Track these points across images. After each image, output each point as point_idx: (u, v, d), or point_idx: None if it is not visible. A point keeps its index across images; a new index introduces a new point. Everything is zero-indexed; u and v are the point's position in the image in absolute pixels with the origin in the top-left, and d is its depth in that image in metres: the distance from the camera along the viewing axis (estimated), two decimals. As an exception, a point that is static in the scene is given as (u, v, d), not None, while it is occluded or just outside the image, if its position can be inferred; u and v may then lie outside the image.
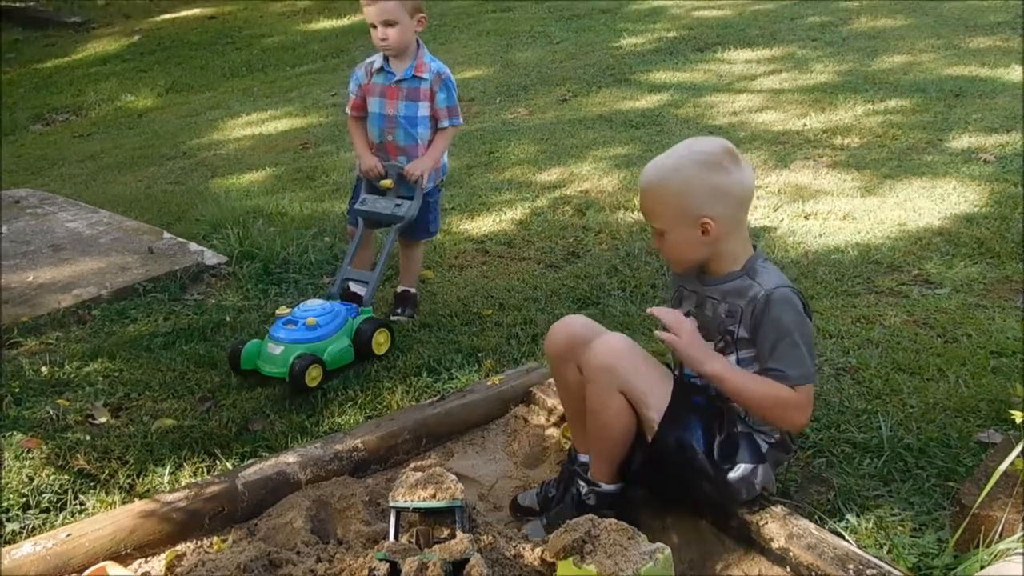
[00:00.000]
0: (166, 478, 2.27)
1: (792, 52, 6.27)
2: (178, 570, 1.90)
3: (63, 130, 7.39)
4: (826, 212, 3.79)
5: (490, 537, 1.79)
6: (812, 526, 1.92)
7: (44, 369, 2.82)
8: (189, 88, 7.97)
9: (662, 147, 4.65)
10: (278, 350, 2.67)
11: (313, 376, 2.63)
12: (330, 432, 2.44)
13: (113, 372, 2.83)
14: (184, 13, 10.62)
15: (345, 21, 9.36)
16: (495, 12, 8.77)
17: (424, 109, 2.95)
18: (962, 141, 4.42)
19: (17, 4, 11.66)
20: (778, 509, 1.97)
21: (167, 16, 10.57)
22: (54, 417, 2.54)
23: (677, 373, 2.00)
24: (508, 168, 4.69)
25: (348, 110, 3.06)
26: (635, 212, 3.95)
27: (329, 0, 10.21)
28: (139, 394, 2.69)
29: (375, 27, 2.86)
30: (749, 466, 1.92)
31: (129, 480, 2.28)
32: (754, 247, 1.95)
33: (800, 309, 1.87)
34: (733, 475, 1.91)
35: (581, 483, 2.00)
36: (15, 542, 1.96)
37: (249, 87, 7.59)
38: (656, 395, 1.90)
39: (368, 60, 3.01)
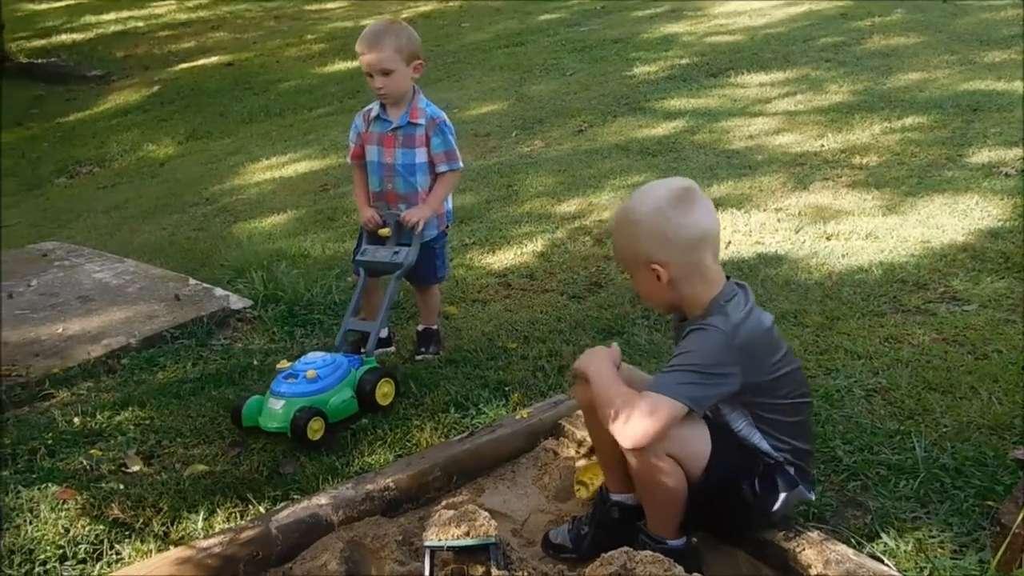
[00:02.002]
0: (200, 524, 2.28)
1: (806, 74, 6.30)
2: (215, 617, 1.91)
3: (87, 182, 7.55)
4: (848, 232, 3.77)
5: (525, 573, 1.78)
6: (850, 551, 1.89)
7: (76, 420, 2.86)
8: (209, 135, 8.13)
9: (679, 173, 4.73)
10: (279, 405, 2.63)
11: (315, 429, 2.58)
12: (361, 472, 2.44)
13: (144, 420, 2.86)
14: (202, 61, 10.86)
15: (360, 63, 9.52)
16: (508, 47, 8.89)
17: (421, 156, 2.92)
18: (982, 155, 4.40)
19: (39, 60, 11.98)
20: (815, 535, 1.94)
21: (185, 65, 10.81)
22: (88, 467, 2.56)
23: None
24: (527, 201, 4.72)
25: (349, 159, 3.08)
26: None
27: (344, 42, 10.41)
28: (170, 441, 2.71)
29: (371, 76, 2.86)
30: (785, 494, 1.92)
31: (164, 528, 2.29)
32: (729, 281, 1.90)
33: (717, 346, 1.79)
34: (777, 506, 1.91)
35: (647, 541, 1.94)
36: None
37: (268, 131, 7.73)
38: (698, 445, 1.88)
39: (366, 108, 3.02)
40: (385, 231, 2.95)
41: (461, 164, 3.01)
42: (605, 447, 2.04)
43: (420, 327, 3.22)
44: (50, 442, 2.72)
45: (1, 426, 2.88)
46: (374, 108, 2.97)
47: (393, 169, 2.94)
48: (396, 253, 2.91)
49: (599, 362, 1.96)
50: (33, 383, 3.13)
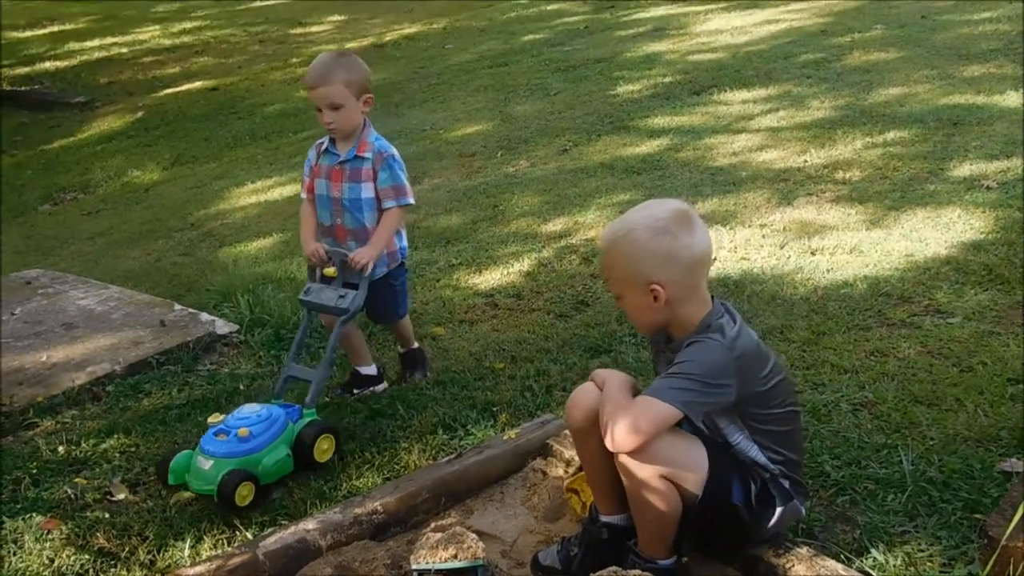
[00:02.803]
0: (187, 552, 2.26)
1: (788, 90, 6.36)
2: (202, 647, 1.88)
3: (71, 209, 7.52)
4: (832, 247, 3.80)
5: (515, 596, 1.77)
6: (839, 567, 1.89)
7: (61, 448, 2.83)
8: (194, 160, 8.12)
9: (665, 191, 4.75)
10: (207, 464, 2.45)
11: (243, 496, 2.40)
12: (348, 496, 2.43)
13: (130, 447, 2.83)
14: (186, 86, 10.87)
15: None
16: (492, 67, 8.95)
17: (368, 191, 2.80)
18: (963, 169, 4.44)
19: (22, 88, 11.97)
20: (804, 551, 1.94)
21: (170, 90, 10.81)
22: (72, 496, 2.54)
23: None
24: (513, 220, 4.73)
25: (303, 193, 2.93)
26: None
27: (329, 66, 10.43)
28: (156, 468, 2.69)
29: (320, 111, 2.76)
30: (781, 508, 1.93)
31: (150, 556, 2.27)
32: (715, 301, 1.93)
33: (716, 358, 1.82)
34: (772, 521, 1.92)
35: (637, 560, 1.94)
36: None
37: (253, 155, 7.73)
38: (694, 463, 1.88)
39: (319, 141, 2.92)
40: (330, 271, 2.79)
41: (411, 200, 2.86)
42: (595, 468, 2.04)
43: (401, 350, 3.19)
44: (34, 471, 2.70)
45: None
46: (325, 141, 2.88)
47: (341, 204, 2.82)
48: (342, 297, 2.75)
49: (617, 377, 1.97)
50: (17, 412, 3.10)
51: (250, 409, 2.60)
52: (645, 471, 1.83)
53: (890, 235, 3.83)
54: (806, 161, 4.94)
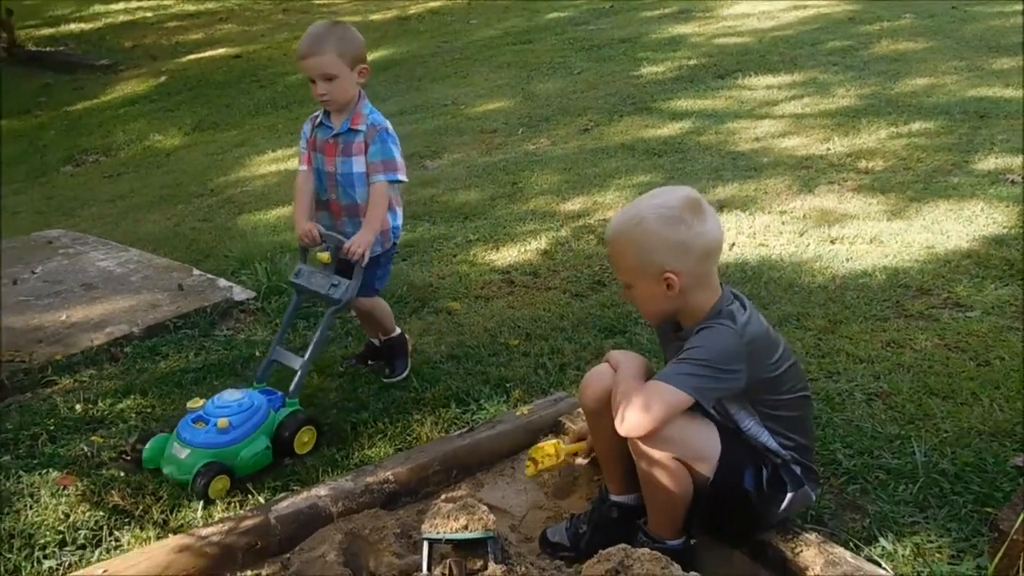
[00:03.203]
0: (199, 513, 2.29)
1: (813, 77, 6.29)
2: (213, 605, 1.92)
3: (93, 171, 7.56)
4: (852, 236, 3.77)
5: (523, 568, 1.79)
6: (848, 554, 1.90)
7: (78, 406, 2.87)
8: (215, 127, 8.14)
9: (685, 174, 4.72)
10: (183, 453, 2.37)
11: (218, 489, 2.33)
12: (360, 465, 2.45)
13: (146, 408, 2.87)
14: (210, 53, 10.87)
15: (368, 56, 9.52)
16: (515, 45, 8.89)
17: (359, 164, 2.68)
18: (988, 162, 4.39)
19: (47, 49, 12.00)
20: (813, 537, 1.95)
21: (193, 56, 10.82)
22: (89, 454, 2.57)
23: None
24: (532, 198, 4.72)
25: (301, 165, 2.80)
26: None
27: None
28: (171, 430, 2.72)
29: (313, 82, 2.64)
30: (792, 494, 1.93)
31: (163, 515, 2.30)
32: (725, 288, 1.93)
33: (727, 343, 1.82)
34: (783, 507, 1.93)
35: (646, 540, 1.95)
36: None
37: (274, 124, 7.73)
38: (707, 448, 1.88)
39: (314, 114, 2.80)
40: (324, 255, 2.66)
41: (401, 176, 2.69)
42: (607, 448, 2.05)
43: (381, 338, 2.99)
44: (52, 428, 2.73)
45: (3, 411, 2.89)
46: (320, 114, 2.77)
47: (334, 178, 2.72)
48: (335, 286, 2.64)
49: (631, 360, 1.97)
50: (36, 369, 3.14)
51: (231, 396, 2.50)
52: (658, 453, 1.83)
53: (911, 226, 3.80)
54: (829, 149, 4.89)
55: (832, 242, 3.75)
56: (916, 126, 5.04)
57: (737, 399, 1.90)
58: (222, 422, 2.40)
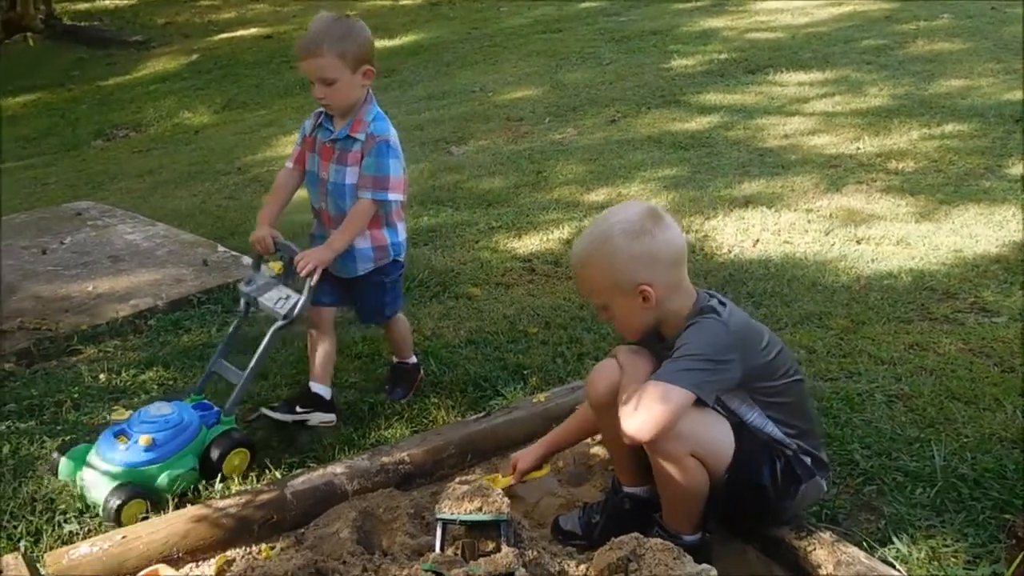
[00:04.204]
0: (217, 485, 2.31)
1: (846, 75, 6.21)
2: (228, 574, 1.95)
3: (123, 145, 7.65)
4: (879, 237, 3.73)
5: (535, 552, 1.79)
6: (862, 554, 1.88)
7: (102, 376, 2.91)
8: (244, 106, 8.19)
9: (711, 169, 4.69)
10: (99, 471, 2.20)
11: (131, 514, 2.13)
12: (376, 445, 2.47)
13: (168, 380, 2.90)
14: (241, 32, 10.93)
15: (397, 41, 9.54)
16: (545, 33, 8.86)
17: (352, 176, 2.44)
18: (1021, 167, 4.32)
19: (82, 24, 12.12)
20: (826, 536, 1.94)
21: (224, 35, 10.88)
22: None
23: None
24: (556, 188, 4.71)
25: (288, 162, 2.58)
26: (683, 233, 3.93)
27: (383, 20, 10.41)
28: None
29: (313, 84, 2.41)
30: (805, 485, 1.93)
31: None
32: (699, 290, 1.94)
33: (716, 335, 1.82)
34: (797, 498, 1.93)
35: (661, 533, 1.93)
36: (73, 543, 2.02)
37: (302, 105, 7.76)
38: (721, 441, 1.88)
39: (318, 109, 2.54)
40: (276, 266, 2.48)
41: (392, 196, 2.44)
42: (617, 441, 2.03)
43: (394, 360, 2.84)
44: (76, 396, 2.78)
45: (29, 378, 2.94)
46: (323, 112, 2.52)
47: (326, 186, 2.49)
48: (284, 300, 2.42)
49: (638, 362, 1.95)
50: (61, 338, 3.19)
51: (159, 411, 2.30)
52: (673, 449, 1.82)
53: (940, 229, 3.75)
54: (859, 148, 4.83)
55: (858, 242, 3.71)
56: (949, 128, 4.97)
57: (736, 392, 1.90)
58: (145, 439, 2.20)
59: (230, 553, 2.02)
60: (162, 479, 2.21)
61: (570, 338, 3.07)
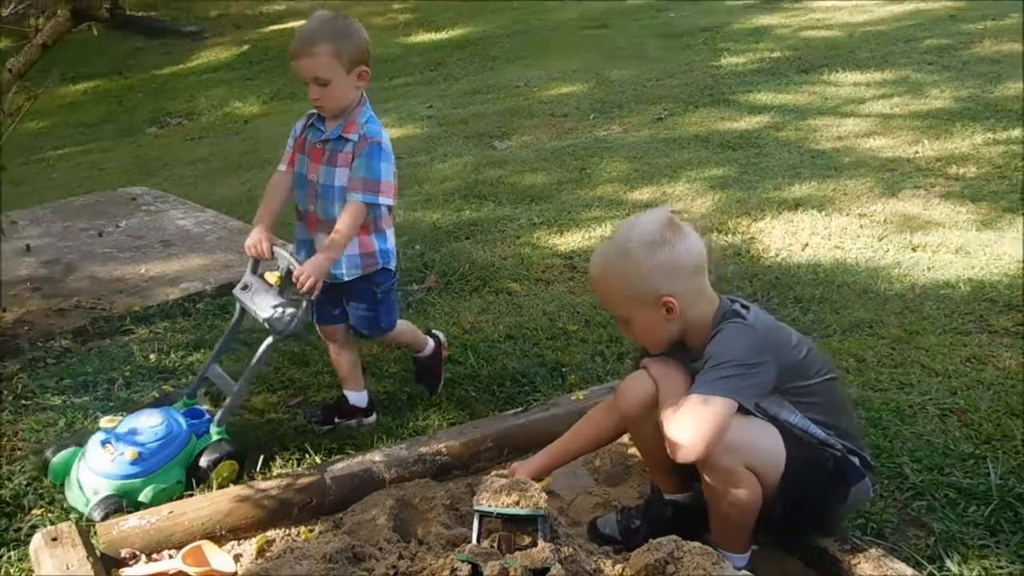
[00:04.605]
0: (258, 467, 2.34)
1: (906, 76, 6.05)
2: (268, 554, 1.97)
3: (176, 133, 7.80)
4: (936, 244, 3.62)
5: (571, 549, 1.77)
6: (909, 570, 1.83)
7: (152, 356, 2.97)
8: (292, 96, 8.28)
9: (760, 170, 4.61)
10: (84, 480, 2.15)
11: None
12: (413, 435, 2.47)
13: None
14: (291, 24, 11.05)
15: (443, 35, 9.57)
16: (592, 29, 8.81)
17: (341, 178, 2.35)
18: (1089, 175, 4.16)
19: (139, 14, 12.39)
20: (873, 550, 1.88)
21: (275, 27, 11.03)
22: (159, 402, 2.65)
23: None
24: (599, 185, 4.67)
25: (281, 165, 2.49)
26: (728, 235, 3.87)
27: (428, 14, 10.46)
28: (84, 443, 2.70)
29: (307, 84, 2.34)
30: (855, 487, 1.88)
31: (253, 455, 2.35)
32: (720, 296, 1.89)
33: (746, 339, 1.78)
34: (847, 502, 1.89)
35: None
36: (123, 515, 2.05)
37: (350, 97, 7.82)
38: (773, 448, 1.82)
39: (311, 111, 2.46)
40: (273, 277, 2.36)
41: (383, 199, 2.35)
42: (653, 450, 1.99)
43: (415, 355, 2.75)
44: (128, 374, 2.84)
45: (84, 355, 3.01)
46: (315, 113, 2.44)
47: (315, 188, 2.40)
48: (280, 313, 2.31)
49: (671, 374, 1.89)
50: (115, 318, 3.28)
51: (149, 419, 2.25)
52: (726, 462, 1.76)
53: (1002, 238, 3.62)
54: (917, 152, 4.70)
55: (913, 249, 3.61)
56: (1015, 133, 4.80)
57: (773, 397, 1.85)
58: (132, 453, 2.15)
59: (270, 533, 2.04)
60: (146, 493, 2.15)
61: (610, 337, 3.04)
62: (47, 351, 3.02)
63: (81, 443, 2.24)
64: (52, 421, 2.56)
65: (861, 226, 3.86)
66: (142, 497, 2.15)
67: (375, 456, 2.23)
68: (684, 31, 8.13)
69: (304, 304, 2.31)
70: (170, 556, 1.94)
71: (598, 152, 5.18)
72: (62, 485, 2.22)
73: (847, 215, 3.99)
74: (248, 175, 5.70)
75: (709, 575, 1.64)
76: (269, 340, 2.35)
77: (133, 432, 2.21)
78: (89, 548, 1.86)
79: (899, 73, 6.13)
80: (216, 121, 7.98)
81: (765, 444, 1.81)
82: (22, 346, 3.04)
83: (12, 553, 2.00)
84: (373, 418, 2.62)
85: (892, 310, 3.12)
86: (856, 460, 1.90)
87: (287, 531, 2.06)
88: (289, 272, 2.31)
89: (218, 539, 2.00)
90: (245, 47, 10.34)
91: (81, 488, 2.15)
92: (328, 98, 2.32)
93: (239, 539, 2.03)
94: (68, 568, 1.78)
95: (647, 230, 1.83)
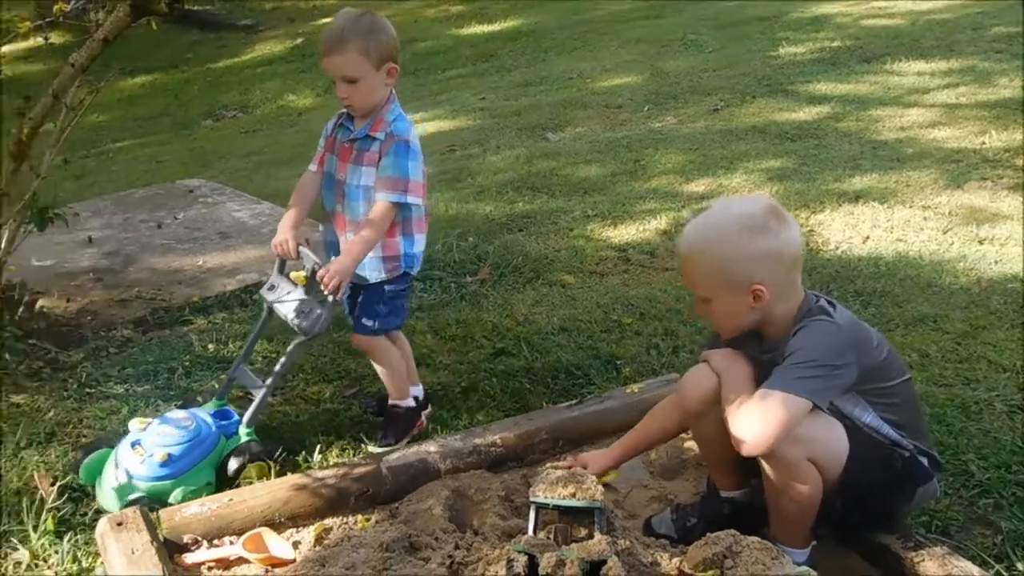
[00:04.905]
0: (316, 456, 2.38)
1: (972, 65, 5.85)
2: (325, 542, 2.00)
3: (231, 126, 7.95)
4: (1004, 238, 3.50)
5: (627, 542, 1.77)
6: (975, 569, 1.78)
7: (211, 346, 3.03)
8: (346, 89, 8.37)
9: (819, 161, 4.51)
10: (114, 482, 2.15)
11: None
12: (468, 427, 2.48)
13: (271, 353, 2.99)
14: (345, 18, 11.17)
15: (495, 27, 9.56)
16: (647, 19, 8.70)
17: (368, 177, 2.31)
18: None
19: (195, 8, 12.64)
20: (937, 548, 1.84)
21: (328, 20, 11.10)
22: (218, 391, 2.71)
23: None
24: (654, 177, 4.63)
25: (312, 164, 2.47)
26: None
27: (481, 6, 10.46)
28: (293, 376, 2.82)
29: (335, 82, 2.31)
30: (922, 488, 1.85)
31: (282, 455, 2.40)
32: (806, 291, 1.85)
33: (830, 337, 1.75)
34: (914, 501, 1.85)
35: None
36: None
37: (400, 90, 7.84)
38: (837, 442, 1.79)
39: (341, 110, 2.43)
40: (299, 277, 2.33)
41: (411, 199, 2.29)
42: (713, 446, 1.98)
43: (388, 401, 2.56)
44: (187, 364, 2.91)
45: (145, 345, 3.10)
46: (344, 112, 2.42)
47: (343, 188, 2.36)
48: (306, 313, 2.31)
49: (734, 365, 1.87)
50: (174, 308, 3.35)
51: (177, 420, 2.24)
52: (790, 454, 1.74)
53: (1074, 231, 3.49)
54: (984, 143, 4.54)
55: (980, 242, 3.50)
56: (1086, 123, 4.62)
57: (849, 395, 1.81)
58: (161, 455, 2.15)
59: (327, 521, 2.07)
60: (175, 494, 2.15)
61: (665, 330, 3.01)
62: (109, 340, 3.11)
63: (112, 444, 2.24)
64: (115, 409, 2.63)
65: (925, 218, 3.76)
66: (171, 499, 2.15)
67: (430, 447, 2.25)
68: (741, 20, 7.98)
69: (329, 306, 2.28)
70: (231, 542, 1.99)
71: (652, 144, 5.13)
72: (94, 486, 2.22)
73: (910, 207, 3.88)
74: (301, 167, 5.63)
75: (768, 570, 1.62)
76: (296, 342, 2.35)
77: (162, 434, 2.20)
78: (153, 533, 1.91)
79: (965, 62, 5.93)
80: (270, 114, 8.11)
81: (829, 438, 1.78)
82: (86, 335, 3.13)
83: (79, 537, 2.06)
84: (428, 410, 2.61)
85: (957, 304, 3.03)
86: (925, 460, 1.85)
87: (344, 519, 2.09)
88: (314, 272, 2.28)
89: (277, 526, 2.04)
90: (299, 40, 10.47)
91: (112, 492, 2.14)
92: (357, 96, 2.29)
93: (297, 527, 2.07)
94: (133, 552, 1.83)
95: (751, 213, 1.80)
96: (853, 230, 3.72)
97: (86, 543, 2.04)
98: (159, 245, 4.01)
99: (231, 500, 2.04)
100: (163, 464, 2.15)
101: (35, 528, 2.07)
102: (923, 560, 1.81)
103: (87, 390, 2.75)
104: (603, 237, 3.91)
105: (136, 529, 1.89)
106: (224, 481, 2.24)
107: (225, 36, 11.30)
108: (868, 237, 3.65)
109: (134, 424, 2.24)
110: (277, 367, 2.38)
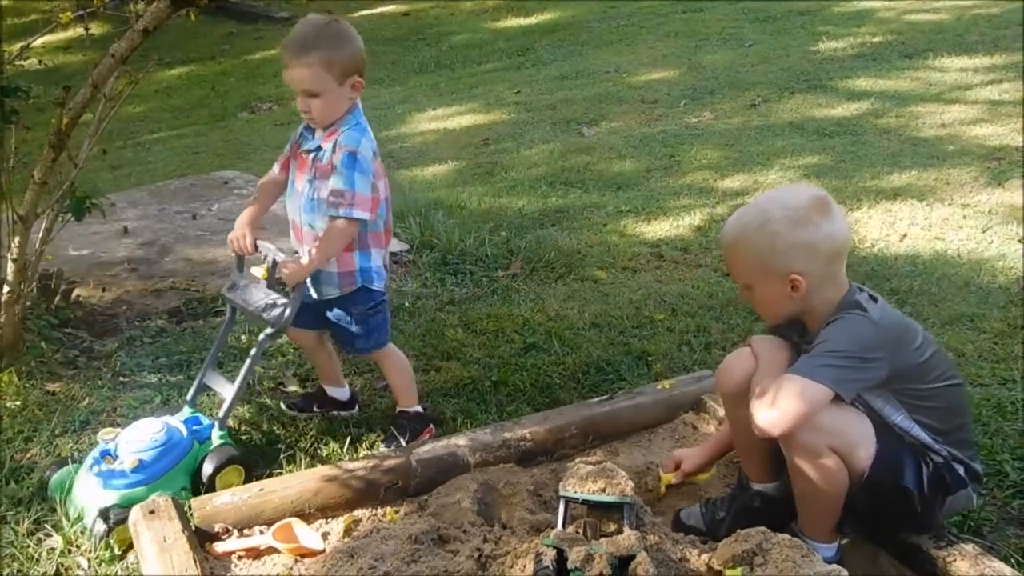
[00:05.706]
0: (345, 448, 2.40)
1: (1017, 61, 5.72)
2: (355, 533, 2.02)
3: (266, 118, 8.02)
4: (1046, 237, 3.43)
5: (657, 537, 1.76)
6: (1008, 569, 1.75)
7: (243, 337, 3.07)
8: (380, 82, 8.40)
9: (857, 158, 4.44)
10: (87, 493, 2.10)
11: (121, 538, 2.01)
12: (497, 420, 2.49)
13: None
14: (380, 9, 11.21)
15: (532, 20, 9.53)
16: (685, 12, 8.62)
17: (320, 190, 2.22)
18: None
19: (233, 0, 12.77)
20: (969, 548, 1.81)
21: (364, 12, 11.20)
22: (250, 382, 2.74)
23: None
24: (689, 173, 4.59)
25: (275, 166, 2.39)
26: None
27: None
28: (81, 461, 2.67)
29: (296, 95, 2.23)
30: (953, 496, 1.82)
31: (312, 447, 2.43)
32: (851, 284, 1.84)
33: (861, 331, 1.73)
34: (943, 508, 1.82)
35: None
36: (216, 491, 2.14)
37: (437, 83, 7.90)
38: (863, 435, 1.78)
39: None
40: (261, 271, 2.30)
41: (357, 213, 2.17)
42: (746, 435, 1.96)
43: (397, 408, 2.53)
44: (220, 354, 2.92)
45: (179, 335, 3.15)
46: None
47: (300, 199, 2.29)
48: (271, 305, 2.26)
49: (774, 350, 1.89)
50: (208, 299, 3.38)
51: (148, 427, 2.20)
52: (811, 441, 1.74)
53: (1118, 232, 3.40)
54: (1027, 140, 4.45)
55: (1020, 241, 3.43)
56: None
57: (880, 391, 1.79)
58: (132, 461, 2.11)
59: (357, 513, 2.09)
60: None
61: (697, 327, 2.99)
62: (144, 330, 3.15)
63: (77, 460, 2.21)
64: (149, 398, 2.67)
65: (964, 216, 3.68)
66: None
67: (460, 440, 2.26)
68: (781, 15, 7.87)
69: (292, 297, 2.25)
70: (261, 532, 2.01)
71: (688, 139, 5.09)
72: (64, 500, 2.16)
73: (949, 205, 3.80)
74: (337, 160, 5.81)
75: (798, 568, 1.61)
76: (264, 335, 2.31)
77: (133, 441, 2.16)
78: (184, 522, 1.93)
79: (1010, 58, 5.79)
80: (305, 107, 8.16)
81: (853, 431, 1.77)
82: (120, 325, 3.18)
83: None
84: (355, 410, 2.58)
85: (995, 303, 2.97)
86: (961, 469, 1.82)
87: (373, 511, 2.10)
88: (275, 263, 2.25)
89: (307, 517, 2.06)
90: (335, 33, 10.53)
91: (83, 502, 2.10)
92: (317, 111, 2.19)
93: (327, 518, 2.09)
94: (165, 540, 1.86)
95: (794, 204, 1.80)
96: (890, 228, 3.66)
97: (119, 530, 2.07)
98: (194, 236, 4.06)
99: (262, 490, 2.07)
100: (135, 470, 2.10)
101: (67, 515, 2.10)
102: (955, 560, 1.78)
103: (121, 379, 2.80)
104: (636, 233, 3.89)
105: (168, 517, 1.92)
106: (201, 486, 2.19)
107: (262, 28, 11.40)
108: (906, 235, 3.58)
109: (102, 435, 2.19)
110: (244, 368, 2.32)
